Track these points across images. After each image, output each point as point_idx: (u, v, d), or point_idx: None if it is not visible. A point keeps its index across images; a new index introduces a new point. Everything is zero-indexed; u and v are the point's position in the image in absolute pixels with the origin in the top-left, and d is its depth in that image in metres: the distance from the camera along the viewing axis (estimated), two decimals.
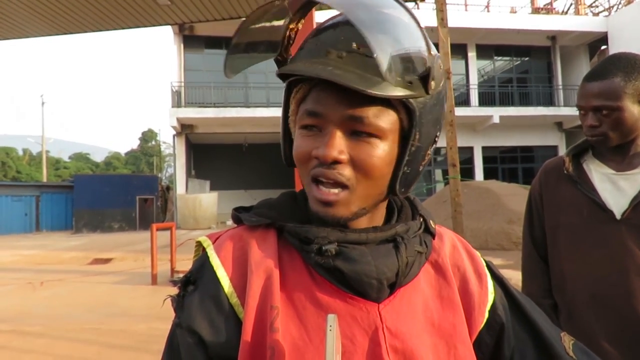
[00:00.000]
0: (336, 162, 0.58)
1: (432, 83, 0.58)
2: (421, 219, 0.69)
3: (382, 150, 0.58)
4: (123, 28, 6.91)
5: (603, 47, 21.05)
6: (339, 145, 0.57)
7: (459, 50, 20.21)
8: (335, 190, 0.58)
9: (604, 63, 1.32)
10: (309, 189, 0.61)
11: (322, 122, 0.59)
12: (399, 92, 0.56)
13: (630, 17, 18.77)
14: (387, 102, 0.58)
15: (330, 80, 0.54)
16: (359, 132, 0.58)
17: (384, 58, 0.52)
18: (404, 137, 0.60)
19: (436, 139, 0.64)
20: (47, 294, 7.30)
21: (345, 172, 0.58)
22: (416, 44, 0.57)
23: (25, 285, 8.01)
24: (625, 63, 1.28)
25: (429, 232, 0.69)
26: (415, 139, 0.59)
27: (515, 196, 10.78)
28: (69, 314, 6.01)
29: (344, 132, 0.58)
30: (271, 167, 19.19)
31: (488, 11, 22.51)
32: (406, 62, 0.56)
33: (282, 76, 0.63)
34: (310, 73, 0.57)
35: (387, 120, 0.58)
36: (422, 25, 0.59)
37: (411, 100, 0.57)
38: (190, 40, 18.94)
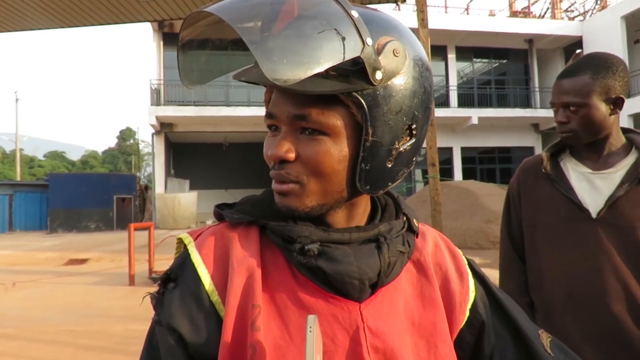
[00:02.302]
0: (285, 161, 0.59)
1: (378, 73, 0.55)
2: (404, 218, 0.69)
3: (330, 147, 0.58)
4: (101, 24, 6.78)
5: (578, 51, 21.14)
6: (286, 144, 0.59)
7: (439, 51, 20.41)
8: (287, 184, 0.60)
9: (577, 62, 1.35)
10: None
11: (277, 123, 0.61)
12: (331, 86, 0.55)
13: (604, 22, 19.24)
14: (332, 99, 0.57)
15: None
16: (307, 129, 0.58)
17: (262, 55, 0.49)
18: (360, 132, 0.58)
19: (412, 132, 0.60)
20: (21, 295, 7.12)
21: (294, 171, 0.59)
22: (332, 36, 0.52)
23: None
24: (596, 62, 1.31)
25: (412, 230, 0.69)
26: (369, 134, 0.57)
27: (493, 196, 10.95)
28: (43, 315, 5.87)
29: (295, 130, 0.59)
30: (252, 167, 19.04)
31: (467, 14, 22.81)
32: (310, 56, 0.50)
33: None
34: (241, 77, 0.61)
35: (334, 116, 0.57)
36: (355, 15, 0.54)
37: (356, 94, 0.55)
38: (170, 37, 18.69)
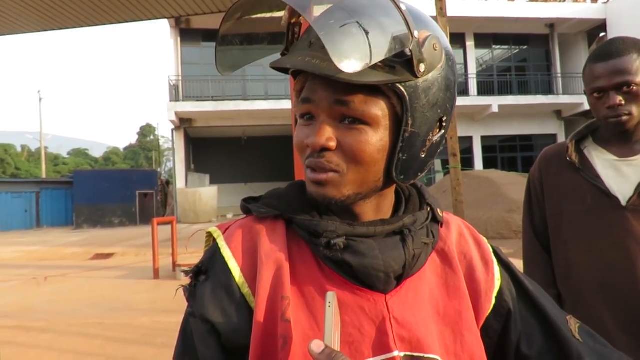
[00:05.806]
0: (325, 149, 0.59)
1: (421, 66, 0.57)
2: (428, 209, 0.69)
3: (371, 137, 0.58)
4: (118, 22, 6.87)
5: (602, 34, 20.93)
6: (327, 132, 0.59)
7: (457, 39, 20.12)
8: (326, 173, 0.60)
9: (612, 44, 1.31)
10: (306, 175, 0.63)
11: (314, 110, 0.60)
12: (378, 77, 0.56)
13: (629, 4, 18.68)
14: (374, 89, 0.57)
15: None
16: (348, 118, 0.59)
17: (332, 45, 0.50)
18: (398, 123, 0.59)
19: (442, 124, 0.62)
20: (50, 290, 7.33)
21: (334, 159, 0.59)
22: (388, 27, 0.54)
23: (28, 281, 8.04)
24: (634, 43, 1.29)
25: (436, 220, 0.69)
26: (409, 125, 0.58)
27: (514, 185, 10.80)
28: (72, 309, 6.04)
29: (334, 119, 0.59)
30: (271, 160, 19.17)
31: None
32: (373, 47, 0.52)
33: (284, 69, 0.64)
34: (287, 64, 0.60)
35: (375, 106, 0.58)
36: (404, 8, 0.56)
37: (399, 85, 0.57)
38: (187, 33, 18.84)
